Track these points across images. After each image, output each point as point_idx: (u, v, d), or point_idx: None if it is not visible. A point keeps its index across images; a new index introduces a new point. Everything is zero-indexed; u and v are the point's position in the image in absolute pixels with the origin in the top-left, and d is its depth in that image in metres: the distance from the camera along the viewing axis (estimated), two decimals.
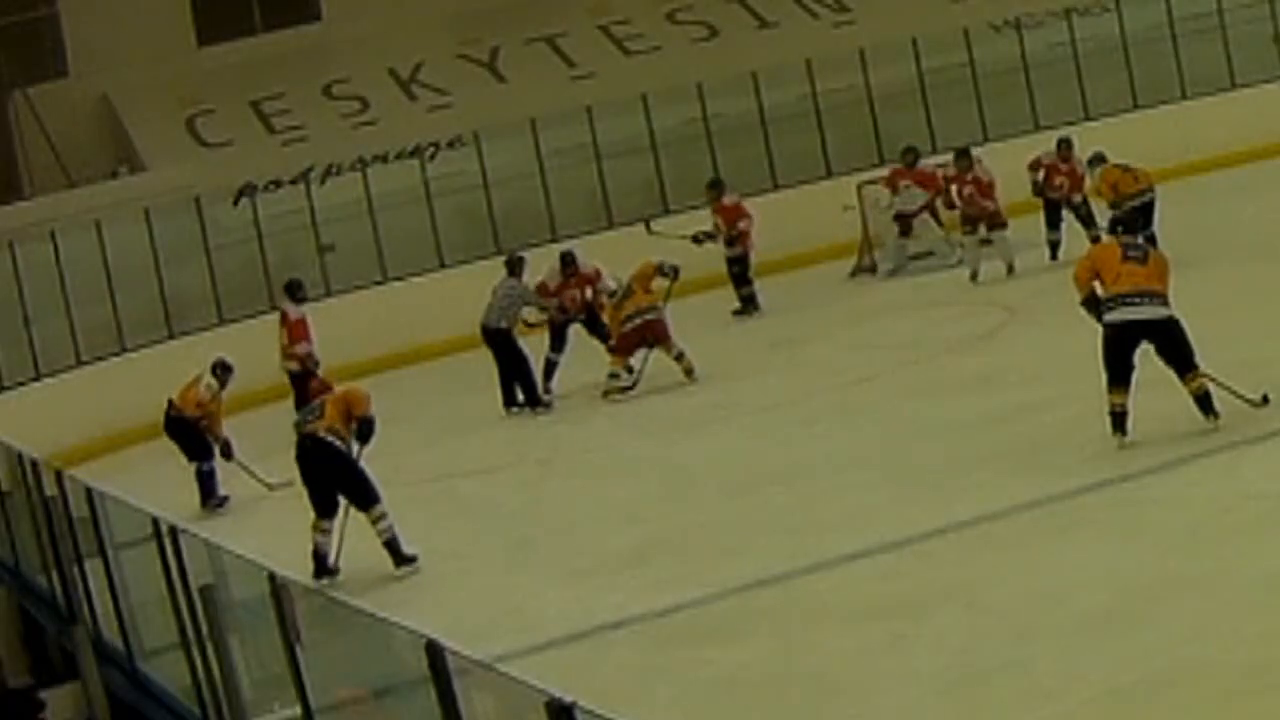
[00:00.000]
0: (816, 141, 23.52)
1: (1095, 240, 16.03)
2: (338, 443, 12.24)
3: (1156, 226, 16.86)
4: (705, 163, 23.22)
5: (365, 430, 12.39)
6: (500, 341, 17.35)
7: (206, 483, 15.67)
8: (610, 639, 10.08)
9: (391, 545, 12.09)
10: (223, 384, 16.01)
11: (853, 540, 10.86)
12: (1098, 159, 18.70)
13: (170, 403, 16.02)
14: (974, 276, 19.15)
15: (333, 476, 12.23)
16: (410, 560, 12.12)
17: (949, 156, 20.51)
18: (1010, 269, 19.18)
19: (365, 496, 12.14)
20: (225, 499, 15.66)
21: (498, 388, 17.19)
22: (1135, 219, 12.39)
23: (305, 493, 12.47)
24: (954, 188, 20.07)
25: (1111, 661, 8.22)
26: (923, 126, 23.47)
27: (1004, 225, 19.44)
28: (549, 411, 17.05)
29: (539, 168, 22.97)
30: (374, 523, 12.11)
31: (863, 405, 14.95)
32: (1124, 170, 18.44)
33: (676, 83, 23.59)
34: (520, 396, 17.14)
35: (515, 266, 17.74)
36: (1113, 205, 17.79)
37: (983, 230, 19.41)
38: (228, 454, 15.86)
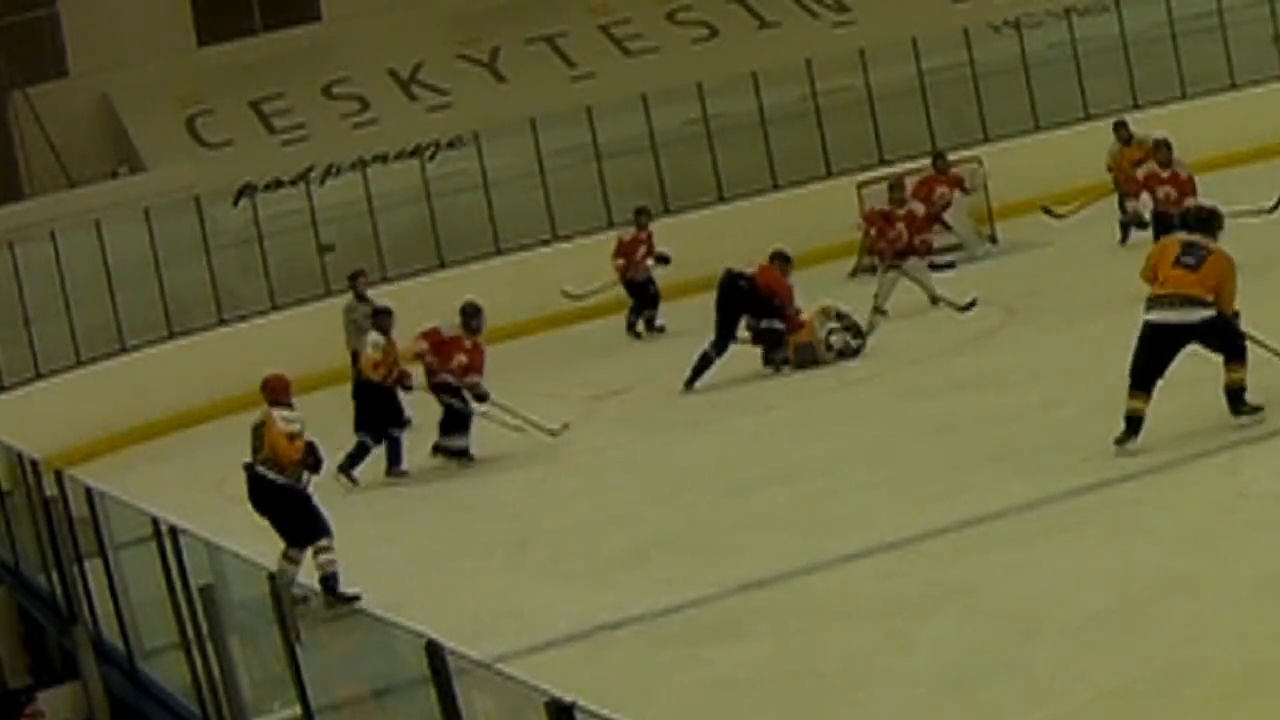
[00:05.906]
0: (816, 141, 23.47)
1: None
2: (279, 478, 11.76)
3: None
4: (705, 162, 23.22)
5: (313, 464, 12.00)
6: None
7: (395, 450, 15.41)
8: (610, 639, 10.08)
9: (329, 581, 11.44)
10: (386, 330, 15.76)
11: (853, 540, 10.86)
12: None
13: (358, 371, 15.90)
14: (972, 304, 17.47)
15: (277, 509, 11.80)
16: (351, 599, 11.17)
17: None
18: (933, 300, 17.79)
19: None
20: (405, 472, 15.35)
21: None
22: (1197, 219, 11.98)
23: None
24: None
25: (1111, 661, 8.21)
26: (923, 126, 23.46)
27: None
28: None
29: (539, 168, 22.93)
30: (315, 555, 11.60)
31: (863, 405, 14.96)
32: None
33: (676, 83, 23.56)
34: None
35: (356, 283, 17.71)
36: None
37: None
38: (409, 385, 15.65)
